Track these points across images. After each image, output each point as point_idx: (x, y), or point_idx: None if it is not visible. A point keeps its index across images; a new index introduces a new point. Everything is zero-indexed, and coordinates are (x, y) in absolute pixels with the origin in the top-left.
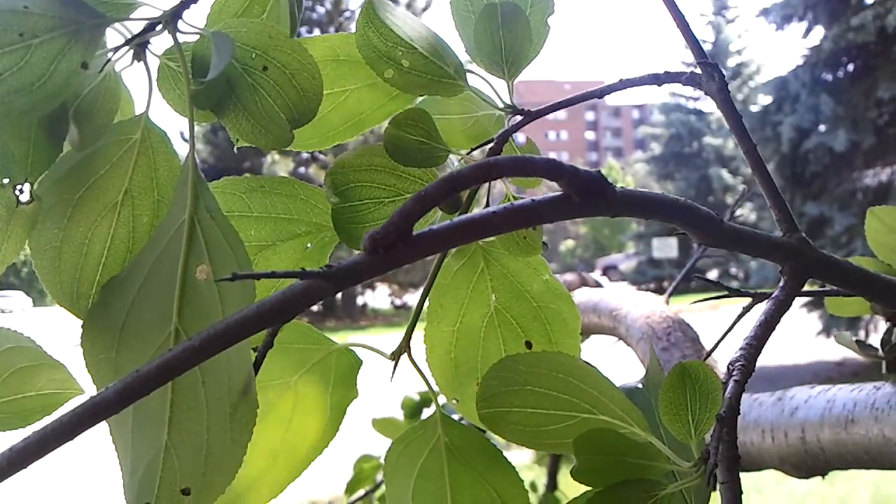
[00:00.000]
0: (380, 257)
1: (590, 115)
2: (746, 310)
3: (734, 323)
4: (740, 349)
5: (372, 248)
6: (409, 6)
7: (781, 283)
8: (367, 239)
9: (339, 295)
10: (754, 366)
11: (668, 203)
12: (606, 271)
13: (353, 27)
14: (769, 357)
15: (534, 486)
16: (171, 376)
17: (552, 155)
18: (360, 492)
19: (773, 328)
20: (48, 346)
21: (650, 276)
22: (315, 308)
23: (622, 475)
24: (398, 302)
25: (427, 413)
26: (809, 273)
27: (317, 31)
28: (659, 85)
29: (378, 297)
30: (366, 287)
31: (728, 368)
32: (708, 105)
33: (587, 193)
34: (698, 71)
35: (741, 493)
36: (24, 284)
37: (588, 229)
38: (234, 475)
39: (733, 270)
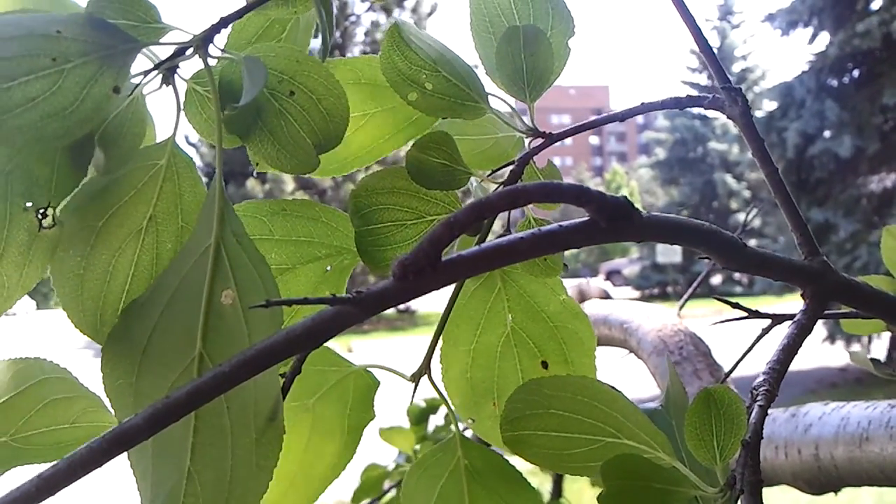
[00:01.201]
0: (409, 283)
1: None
2: (765, 332)
3: (752, 345)
4: (763, 374)
5: (402, 274)
6: (414, 10)
7: (803, 307)
8: (397, 265)
9: None
10: (777, 391)
11: (692, 228)
12: (610, 276)
13: (358, 32)
14: None
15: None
16: (202, 403)
17: (556, 159)
18: (366, 501)
19: (796, 352)
20: (52, 348)
21: (654, 282)
22: None
23: (649, 501)
24: (402, 307)
25: (433, 420)
26: (831, 297)
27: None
28: (681, 109)
29: None
30: None
31: (752, 393)
32: (712, 111)
33: (614, 219)
34: (720, 95)
35: None
36: None
37: None
38: (259, 501)
39: (737, 276)
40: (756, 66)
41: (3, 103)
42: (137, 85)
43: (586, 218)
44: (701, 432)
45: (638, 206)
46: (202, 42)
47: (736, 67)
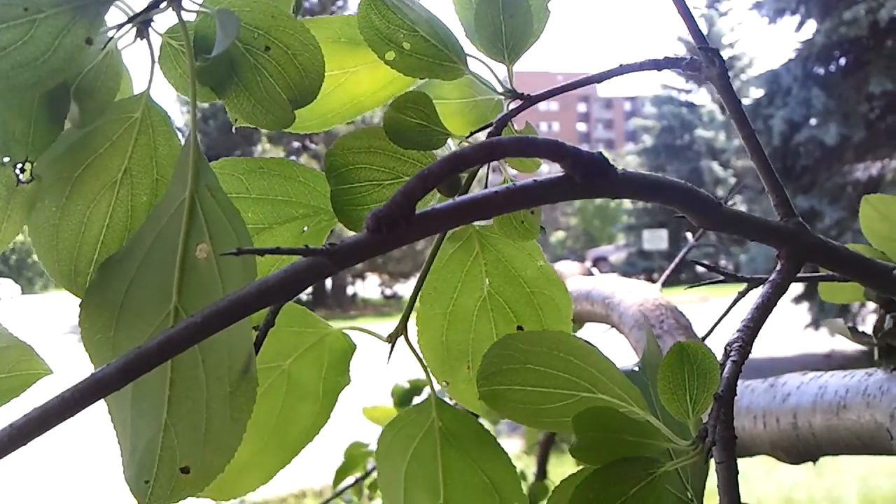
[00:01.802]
0: (382, 236)
1: (582, 107)
2: (742, 294)
3: (730, 307)
4: (738, 331)
5: (375, 226)
6: None
7: (778, 267)
8: (371, 217)
9: (329, 284)
10: (751, 347)
11: (667, 185)
12: (597, 263)
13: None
14: (758, 349)
15: (523, 476)
16: (173, 353)
17: None
18: (350, 479)
19: (770, 310)
20: (37, 333)
21: (640, 268)
22: (305, 297)
23: (621, 453)
24: (388, 292)
25: (418, 401)
26: (806, 257)
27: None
28: (659, 70)
29: (368, 286)
30: (356, 277)
31: (725, 349)
32: (700, 98)
33: (589, 174)
34: (698, 56)
35: (737, 472)
36: (12, 272)
37: (578, 221)
38: (233, 454)
39: (723, 263)
40: (743, 53)
41: None
42: (111, 38)
43: (562, 173)
44: (674, 386)
45: None
46: None
47: (723, 55)
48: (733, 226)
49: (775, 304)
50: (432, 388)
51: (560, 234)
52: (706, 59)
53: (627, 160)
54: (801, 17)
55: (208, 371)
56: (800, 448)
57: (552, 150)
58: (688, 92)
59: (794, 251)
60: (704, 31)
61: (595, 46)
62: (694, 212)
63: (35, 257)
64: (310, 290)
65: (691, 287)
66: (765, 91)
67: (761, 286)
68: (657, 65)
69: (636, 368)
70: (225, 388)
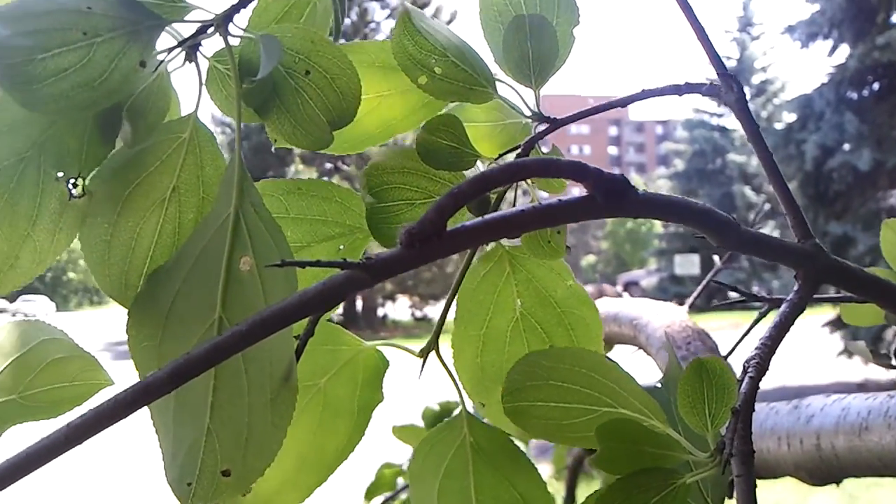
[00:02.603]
0: (416, 251)
1: (613, 130)
2: (763, 314)
3: (751, 327)
4: (756, 348)
5: (408, 241)
6: (434, 17)
7: (796, 287)
8: (404, 233)
9: (359, 306)
10: (769, 364)
11: (687, 206)
12: (627, 287)
13: (378, 38)
14: (790, 377)
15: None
16: (219, 360)
17: None
18: (380, 498)
19: (788, 329)
20: None
21: (672, 293)
22: (336, 318)
23: (641, 464)
24: (419, 314)
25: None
26: (823, 278)
27: (342, 42)
28: (680, 95)
29: (399, 308)
30: (386, 298)
31: (744, 366)
32: (732, 122)
33: (611, 194)
34: (718, 82)
35: (755, 485)
36: (47, 290)
37: (609, 245)
38: (273, 458)
39: (755, 289)
40: (776, 77)
41: (37, 73)
42: (162, 61)
43: (585, 194)
44: (693, 400)
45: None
46: (223, 21)
47: (755, 79)
48: (751, 247)
49: (793, 322)
50: (463, 404)
51: (591, 259)
52: (725, 85)
53: (659, 184)
54: (833, 41)
55: (251, 378)
56: (823, 469)
57: (574, 170)
58: (720, 116)
59: (811, 272)
60: (736, 55)
61: (626, 69)
62: (713, 232)
63: (70, 275)
64: (341, 310)
65: (716, 309)
66: (797, 115)
67: (781, 306)
68: (678, 90)
69: (659, 385)
70: (266, 394)
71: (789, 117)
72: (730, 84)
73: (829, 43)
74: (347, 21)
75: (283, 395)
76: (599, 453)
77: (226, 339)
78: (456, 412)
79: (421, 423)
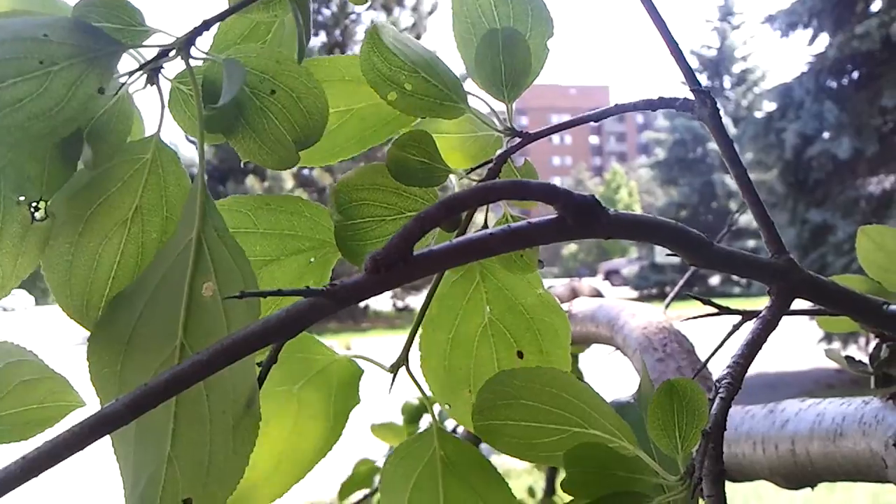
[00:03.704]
0: (381, 276)
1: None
2: (735, 328)
3: (723, 341)
4: (727, 367)
5: (374, 267)
6: (414, 9)
7: (769, 303)
8: (369, 259)
9: None
10: (740, 383)
11: (659, 226)
12: (609, 276)
13: (358, 30)
14: (770, 364)
15: (532, 491)
16: (180, 389)
17: (556, 159)
18: (359, 494)
19: (760, 347)
20: (50, 344)
21: (653, 281)
22: None
23: (610, 487)
24: (400, 304)
25: (427, 418)
26: (796, 293)
27: (322, 34)
28: (653, 110)
29: (380, 299)
30: None
31: (714, 386)
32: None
33: (581, 216)
34: (691, 97)
35: None
36: (26, 283)
37: None
38: (235, 486)
39: (735, 277)
40: (756, 66)
41: None
42: (123, 84)
43: (555, 215)
44: (663, 422)
45: (636, 206)
46: (184, 44)
47: (736, 68)
48: (724, 263)
49: (765, 340)
50: (434, 417)
51: (572, 247)
52: (699, 100)
53: (640, 173)
54: (813, 30)
55: (212, 406)
56: (798, 474)
57: (545, 192)
58: (721, 116)
59: (784, 288)
60: (717, 44)
61: (607, 59)
62: (685, 251)
63: (41, 259)
64: None
65: (687, 320)
66: (777, 104)
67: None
68: (651, 105)
69: (632, 400)
70: (228, 422)
71: (769, 106)
72: (703, 100)
73: (809, 32)
74: (328, 13)
75: (246, 421)
76: (567, 477)
77: (186, 369)
78: (428, 418)
79: (399, 421)
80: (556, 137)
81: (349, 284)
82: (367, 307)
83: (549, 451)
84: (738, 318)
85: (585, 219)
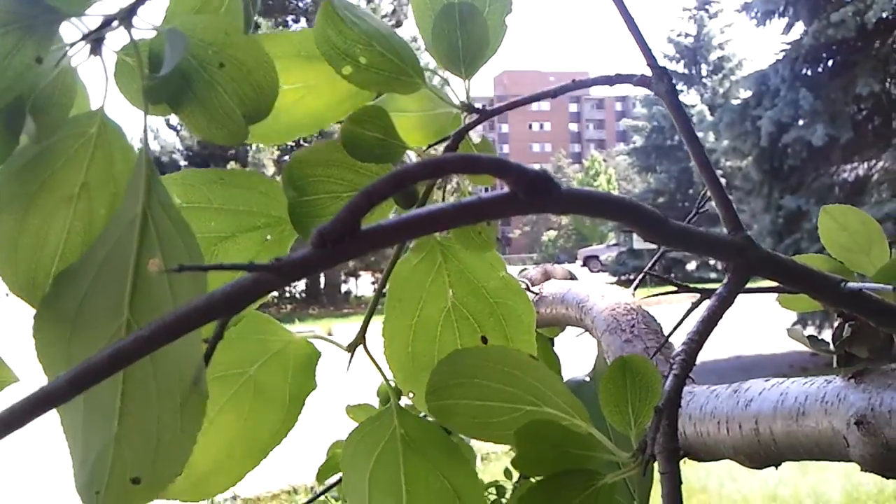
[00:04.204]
0: (328, 251)
1: (573, 107)
2: (694, 305)
3: (683, 318)
4: (682, 344)
5: (320, 241)
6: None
7: (725, 280)
8: (315, 234)
9: (322, 282)
10: (694, 360)
11: (613, 202)
12: (587, 261)
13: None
14: (745, 347)
15: (508, 473)
16: (122, 365)
17: (535, 146)
18: (334, 477)
19: (716, 323)
20: (23, 332)
21: (631, 267)
22: (298, 295)
23: (563, 465)
24: (383, 290)
25: (405, 401)
26: (753, 270)
27: (303, 21)
28: (611, 85)
29: (362, 284)
30: (349, 275)
31: (669, 362)
32: (690, 98)
33: (534, 190)
34: (648, 73)
35: (680, 482)
36: None
37: (570, 219)
38: (183, 465)
39: (713, 262)
40: (733, 55)
41: None
42: (64, 55)
43: (507, 190)
44: (616, 399)
45: (614, 192)
46: (126, 14)
47: (713, 56)
48: (681, 240)
49: (721, 316)
50: (394, 397)
51: (551, 234)
52: (656, 77)
53: (618, 160)
54: (789, 18)
55: (159, 384)
56: (761, 454)
57: (495, 167)
58: (678, 93)
59: (740, 265)
60: (694, 32)
61: (587, 46)
62: (641, 228)
63: None
64: (303, 287)
65: (647, 297)
66: (753, 92)
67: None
68: (609, 80)
69: (587, 379)
70: (176, 400)
71: (745, 94)
72: (660, 76)
73: (785, 21)
74: None
75: (193, 400)
76: (518, 455)
77: (129, 345)
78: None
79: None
80: (535, 125)
81: (295, 259)
82: (348, 292)
83: (504, 429)
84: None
85: (538, 193)
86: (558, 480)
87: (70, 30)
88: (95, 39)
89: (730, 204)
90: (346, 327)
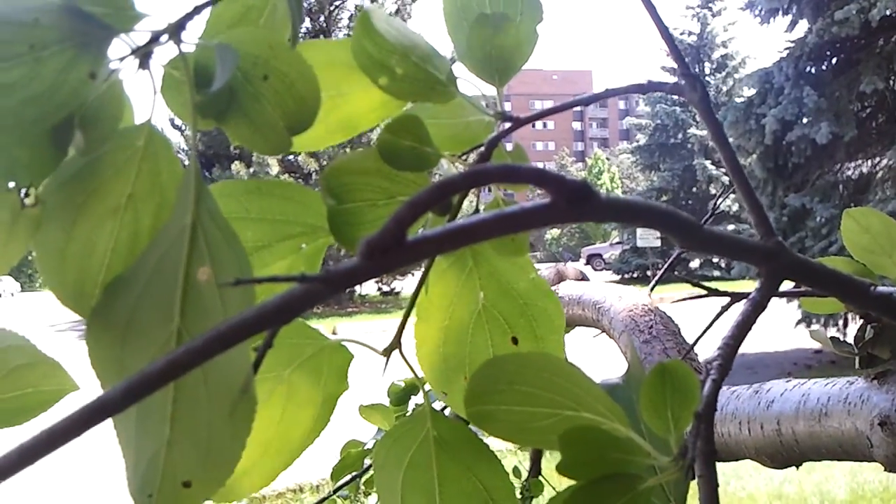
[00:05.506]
0: (375, 262)
1: (576, 106)
2: (724, 309)
3: (712, 322)
4: (718, 349)
5: (368, 252)
6: None
7: (758, 285)
8: (363, 244)
9: None
10: (731, 365)
11: (650, 209)
12: (590, 260)
13: (343, 16)
14: (749, 345)
15: (517, 472)
16: (175, 376)
17: (539, 144)
18: (347, 477)
19: (750, 328)
20: (36, 329)
21: (634, 265)
22: None
23: (605, 469)
24: (386, 288)
25: (414, 400)
26: (784, 275)
27: (307, 20)
28: (644, 94)
29: (365, 283)
30: None
31: (706, 368)
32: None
33: (574, 200)
34: (682, 82)
35: (717, 486)
36: (13, 269)
37: None
38: (233, 469)
39: (716, 260)
40: (736, 53)
41: None
42: (114, 70)
43: (548, 200)
44: (655, 404)
45: (618, 191)
46: (175, 29)
47: (716, 54)
48: (714, 246)
49: (755, 321)
50: (427, 398)
51: (555, 232)
52: (689, 85)
53: (621, 158)
54: (792, 16)
55: (210, 391)
56: (783, 454)
57: (535, 176)
58: (710, 101)
59: (773, 270)
60: (697, 30)
61: (589, 44)
62: (676, 234)
63: (34, 247)
64: None
65: (676, 302)
66: (757, 90)
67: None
68: (642, 88)
69: (621, 381)
70: (225, 406)
71: (749, 92)
72: (693, 84)
73: (789, 18)
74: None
75: (242, 406)
76: (563, 460)
77: (180, 356)
78: (421, 393)
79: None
80: (539, 123)
81: (344, 270)
82: (352, 291)
83: (542, 434)
84: (725, 300)
85: (579, 202)
86: (601, 484)
87: (117, 44)
88: (144, 54)
89: (761, 208)
90: (351, 326)
